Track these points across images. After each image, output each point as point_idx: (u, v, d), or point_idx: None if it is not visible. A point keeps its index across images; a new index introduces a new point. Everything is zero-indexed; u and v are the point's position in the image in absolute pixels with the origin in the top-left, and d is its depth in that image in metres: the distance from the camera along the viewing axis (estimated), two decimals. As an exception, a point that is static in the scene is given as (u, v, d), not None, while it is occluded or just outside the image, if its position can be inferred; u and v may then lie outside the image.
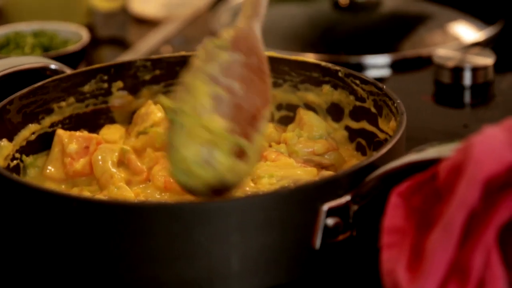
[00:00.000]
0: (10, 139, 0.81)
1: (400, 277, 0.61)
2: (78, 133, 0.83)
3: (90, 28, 1.19)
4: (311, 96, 0.86)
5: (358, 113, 0.83)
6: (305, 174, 0.76)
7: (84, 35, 1.06)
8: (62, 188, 0.80)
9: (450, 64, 1.02)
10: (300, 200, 0.67)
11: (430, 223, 0.62)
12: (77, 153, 0.81)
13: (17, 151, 0.81)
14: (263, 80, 0.67)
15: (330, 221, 0.67)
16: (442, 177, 0.62)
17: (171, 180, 0.79)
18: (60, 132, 0.82)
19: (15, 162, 0.81)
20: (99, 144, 0.82)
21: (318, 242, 0.68)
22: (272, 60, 0.86)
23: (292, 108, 0.87)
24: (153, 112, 0.85)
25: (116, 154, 0.81)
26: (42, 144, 0.84)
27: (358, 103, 0.83)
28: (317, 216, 0.67)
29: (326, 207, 0.67)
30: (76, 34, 1.07)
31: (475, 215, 0.60)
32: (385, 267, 0.63)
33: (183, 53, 0.88)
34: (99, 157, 0.80)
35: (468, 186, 0.58)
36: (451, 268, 0.60)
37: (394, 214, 0.64)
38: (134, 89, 0.88)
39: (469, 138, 0.60)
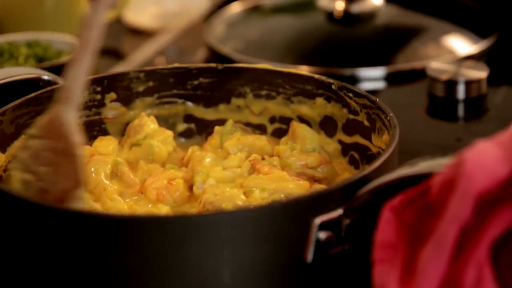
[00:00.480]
0: (3, 150, 0.80)
1: (392, 293, 0.61)
2: None
3: (85, 38, 1.19)
4: (304, 109, 0.86)
5: (351, 126, 0.83)
6: (297, 187, 0.76)
7: (78, 46, 1.06)
8: None
9: (444, 77, 1.02)
10: (292, 214, 0.67)
11: (422, 238, 0.62)
12: None
13: (9, 162, 0.81)
14: (73, 163, 0.70)
15: (322, 235, 0.67)
16: (434, 192, 0.62)
17: (164, 193, 0.79)
18: None
19: (7, 173, 0.81)
20: (92, 156, 0.82)
21: (310, 256, 0.67)
22: (266, 73, 0.87)
23: (286, 120, 0.87)
24: (146, 124, 0.85)
25: (109, 166, 0.81)
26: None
27: (351, 116, 0.83)
28: (309, 229, 0.67)
29: (318, 220, 0.67)
30: (70, 45, 1.07)
31: (467, 230, 0.59)
32: (378, 281, 0.62)
33: (176, 64, 0.88)
34: (92, 169, 0.80)
35: (460, 201, 0.58)
36: (443, 283, 0.59)
37: (386, 229, 0.64)
38: (127, 100, 0.88)
39: (461, 153, 0.60)
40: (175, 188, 0.79)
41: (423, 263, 0.59)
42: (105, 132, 0.88)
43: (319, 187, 0.78)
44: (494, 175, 0.58)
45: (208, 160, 0.81)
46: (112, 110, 0.88)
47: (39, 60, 1.05)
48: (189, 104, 0.89)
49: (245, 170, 0.80)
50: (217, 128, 0.86)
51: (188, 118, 0.89)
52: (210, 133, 0.87)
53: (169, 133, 0.85)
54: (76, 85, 0.72)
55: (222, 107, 0.88)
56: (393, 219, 0.64)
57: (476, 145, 0.59)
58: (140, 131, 0.84)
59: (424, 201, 0.63)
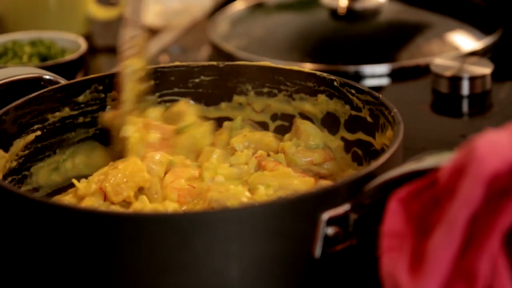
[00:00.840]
0: (6, 150, 0.80)
1: (401, 278, 0.61)
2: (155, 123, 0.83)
3: (88, 37, 1.19)
4: (307, 106, 0.85)
5: (354, 123, 0.83)
6: (303, 184, 0.76)
7: (82, 44, 1.06)
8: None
9: (448, 73, 1.02)
10: (300, 210, 0.67)
11: (429, 230, 0.62)
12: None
13: (12, 162, 0.81)
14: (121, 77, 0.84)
15: (330, 230, 0.67)
16: (443, 181, 0.61)
17: (186, 196, 0.78)
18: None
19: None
20: (147, 125, 0.82)
21: (318, 252, 0.67)
22: (267, 70, 0.87)
23: (287, 118, 0.87)
24: (188, 111, 0.84)
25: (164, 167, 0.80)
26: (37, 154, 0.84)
27: (354, 113, 0.82)
28: (317, 225, 0.67)
29: (326, 216, 0.67)
30: (74, 43, 1.07)
31: (478, 218, 0.59)
32: (386, 270, 0.62)
33: (177, 63, 0.88)
34: (148, 169, 0.79)
35: (471, 184, 0.58)
36: (455, 272, 0.59)
37: (393, 219, 0.64)
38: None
39: (471, 141, 0.59)
40: (197, 192, 0.78)
41: (433, 248, 0.59)
42: (107, 131, 0.87)
43: (324, 183, 0.77)
44: (505, 158, 0.58)
45: (215, 156, 0.81)
46: (114, 108, 0.87)
47: (43, 59, 1.05)
48: (191, 102, 0.89)
49: (251, 167, 0.80)
50: (226, 123, 0.86)
51: (190, 116, 0.89)
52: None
53: (209, 124, 0.84)
54: (137, 12, 0.81)
55: (223, 105, 0.88)
56: (400, 209, 0.64)
57: (486, 134, 0.59)
58: (181, 119, 0.84)
59: (431, 193, 0.63)
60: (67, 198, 0.80)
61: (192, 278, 0.66)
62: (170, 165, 0.81)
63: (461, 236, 0.58)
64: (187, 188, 0.78)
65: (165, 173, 0.80)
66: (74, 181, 0.80)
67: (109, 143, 0.87)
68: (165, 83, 0.88)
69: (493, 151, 0.58)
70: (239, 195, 0.74)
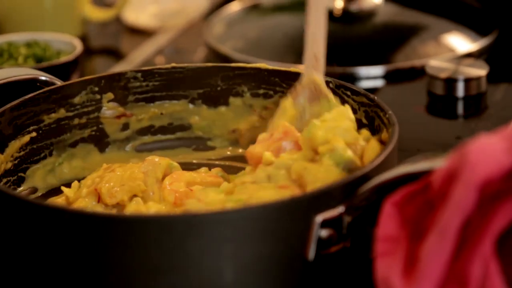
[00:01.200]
0: (1, 151, 0.80)
1: (395, 283, 0.61)
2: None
3: (84, 38, 1.19)
4: (302, 108, 0.85)
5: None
6: (276, 195, 0.71)
7: (78, 46, 1.06)
8: None
9: (443, 75, 1.02)
10: (294, 212, 0.67)
11: (423, 233, 0.62)
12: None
13: (7, 163, 0.81)
14: None
15: (324, 233, 0.67)
16: (436, 186, 0.61)
17: (183, 199, 0.78)
18: None
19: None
20: (285, 134, 0.78)
21: (311, 254, 0.67)
22: (262, 72, 0.87)
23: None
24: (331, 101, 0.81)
25: (162, 169, 0.80)
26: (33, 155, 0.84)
27: (349, 114, 0.82)
28: (310, 227, 0.67)
29: (319, 218, 0.67)
30: (69, 45, 1.07)
31: (471, 223, 0.59)
32: (380, 274, 0.62)
33: (173, 64, 0.88)
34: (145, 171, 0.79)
35: (464, 189, 0.58)
36: (448, 276, 0.59)
37: (388, 223, 0.64)
38: (124, 100, 0.88)
39: (464, 145, 0.60)
40: (193, 195, 0.77)
41: (426, 253, 0.59)
42: (102, 132, 0.87)
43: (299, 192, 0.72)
44: (498, 164, 0.58)
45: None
46: (109, 110, 0.87)
47: (38, 60, 1.05)
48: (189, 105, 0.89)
49: None
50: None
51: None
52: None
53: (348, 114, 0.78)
54: (320, 50, 0.80)
55: (222, 108, 0.88)
56: (394, 213, 0.64)
57: (479, 138, 0.60)
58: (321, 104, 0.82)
59: (425, 197, 0.63)
60: (60, 200, 0.80)
61: (185, 280, 0.66)
62: (170, 168, 0.81)
63: (454, 240, 0.58)
64: (184, 191, 0.78)
65: (165, 176, 0.80)
66: (63, 188, 0.80)
67: (105, 146, 0.88)
68: (161, 85, 0.88)
69: (485, 156, 0.58)
70: (216, 205, 0.73)
